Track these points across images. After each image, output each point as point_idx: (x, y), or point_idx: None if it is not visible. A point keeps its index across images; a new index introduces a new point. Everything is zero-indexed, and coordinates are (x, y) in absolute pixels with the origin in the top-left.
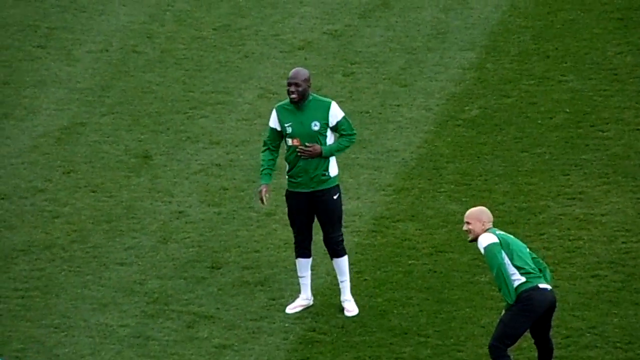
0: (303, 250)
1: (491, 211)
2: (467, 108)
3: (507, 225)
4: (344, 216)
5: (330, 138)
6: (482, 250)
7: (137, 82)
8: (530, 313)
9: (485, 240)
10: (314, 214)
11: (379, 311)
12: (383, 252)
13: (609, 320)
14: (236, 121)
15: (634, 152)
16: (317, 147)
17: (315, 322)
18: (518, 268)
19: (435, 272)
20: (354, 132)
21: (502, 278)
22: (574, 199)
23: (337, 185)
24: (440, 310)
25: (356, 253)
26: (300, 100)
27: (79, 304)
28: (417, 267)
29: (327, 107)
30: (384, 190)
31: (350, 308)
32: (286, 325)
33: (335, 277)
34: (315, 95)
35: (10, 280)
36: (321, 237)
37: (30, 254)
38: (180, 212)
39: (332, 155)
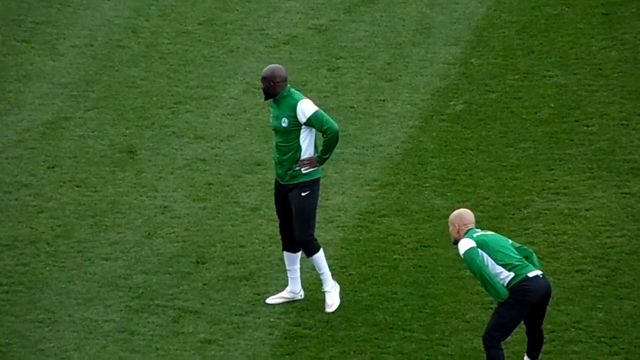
0: (285, 243)
1: (476, 206)
2: (452, 103)
3: (492, 220)
4: (314, 219)
5: (306, 134)
6: (462, 256)
7: (122, 77)
8: (525, 304)
9: (463, 246)
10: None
11: (363, 306)
12: (368, 247)
13: (593, 314)
14: (221, 116)
15: (619, 147)
16: (313, 159)
17: (301, 317)
18: (504, 266)
19: (420, 267)
20: (330, 124)
21: (486, 281)
22: (558, 193)
23: (310, 183)
24: (425, 305)
25: (341, 248)
26: (267, 97)
27: (64, 299)
28: (402, 262)
29: (294, 106)
30: (369, 185)
31: (330, 302)
32: (271, 320)
33: None
34: (292, 91)
35: None
36: None
37: (15, 249)
38: (165, 207)
39: (325, 157)
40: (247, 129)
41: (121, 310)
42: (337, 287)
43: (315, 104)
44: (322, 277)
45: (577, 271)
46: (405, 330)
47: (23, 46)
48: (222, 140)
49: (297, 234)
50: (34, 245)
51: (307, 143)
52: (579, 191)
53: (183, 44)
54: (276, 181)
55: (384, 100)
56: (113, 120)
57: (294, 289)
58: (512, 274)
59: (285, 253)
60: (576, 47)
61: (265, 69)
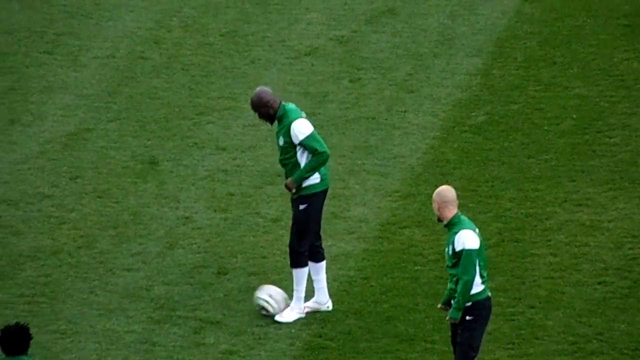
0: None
1: (498, 217)
2: (473, 114)
3: (513, 231)
4: (308, 233)
5: (302, 150)
6: (458, 247)
7: (144, 88)
8: (486, 322)
9: (469, 241)
10: None
11: (385, 317)
12: (389, 258)
13: (615, 326)
14: (242, 127)
15: None
16: (289, 181)
17: (322, 328)
18: (481, 276)
19: (441, 278)
20: (320, 150)
21: (467, 289)
22: (580, 205)
23: (308, 196)
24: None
25: (362, 259)
26: (272, 120)
27: (86, 310)
28: (423, 273)
29: (289, 126)
30: (390, 196)
31: (285, 314)
32: (292, 331)
33: (342, 282)
34: (287, 108)
35: (17, 286)
36: (327, 244)
37: (37, 260)
38: (186, 218)
39: (302, 178)
40: (269, 139)
41: (143, 321)
42: (302, 316)
43: (337, 115)
44: (295, 294)
45: (599, 283)
46: (426, 341)
47: (45, 58)
48: (243, 151)
49: (291, 243)
50: (56, 256)
51: (305, 159)
52: (601, 202)
53: (205, 56)
54: None
55: (405, 112)
56: (135, 131)
57: (320, 300)
58: (482, 287)
59: (309, 263)
60: (598, 58)
61: (252, 99)
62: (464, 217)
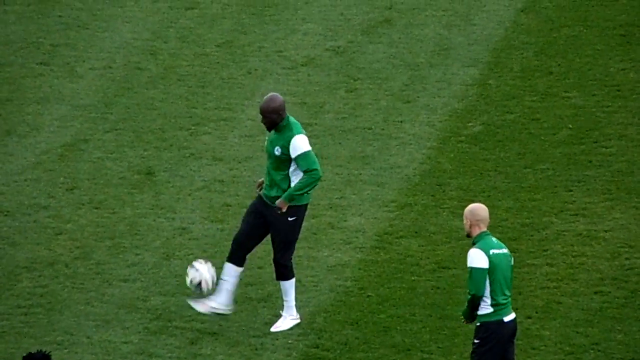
0: (235, 254)
1: (494, 227)
2: (470, 124)
3: (510, 241)
4: (295, 244)
5: (296, 166)
6: (468, 264)
7: (140, 99)
8: (496, 348)
9: (476, 260)
10: (265, 230)
11: (382, 327)
12: (386, 268)
13: (612, 336)
14: (239, 137)
15: (637, 168)
16: (280, 202)
17: (319, 338)
18: (492, 298)
19: (438, 288)
20: (312, 168)
21: (473, 304)
22: (577, 215)
23: (297, 208)
24: (444, 326)
25: (359, 269)
26: (272, 128)
27: (82, 321)
28: (420, 284)
29: (289, 140)
30: (387, 206)
31: (279, 324)
32: (289, 342)
33: (339, 293)
34: (291, 121)
35: (14, 297)
36: (323, 255)
37: (34, 271)
38: (183, 229)
39: (293, 197)
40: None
41: (139, 332)
42: (297, 321)
43: (333, 125)
44: (285, 304)
45: (596, 293)
46: (423, 352)
47: (42, 69)
48: (240, 162)
49: (279, 257)
50: (53, 267)
51: (297, 175)
52: (597, 212)
53: (201, 66)
54: (259, 196)
55: (401, 122)
56: (131, 142)
57: (222, 301)
58: (490, 310)
59: (228, 264)
60: (594, 68)
61: (264, 102)
62: (487, 237)
